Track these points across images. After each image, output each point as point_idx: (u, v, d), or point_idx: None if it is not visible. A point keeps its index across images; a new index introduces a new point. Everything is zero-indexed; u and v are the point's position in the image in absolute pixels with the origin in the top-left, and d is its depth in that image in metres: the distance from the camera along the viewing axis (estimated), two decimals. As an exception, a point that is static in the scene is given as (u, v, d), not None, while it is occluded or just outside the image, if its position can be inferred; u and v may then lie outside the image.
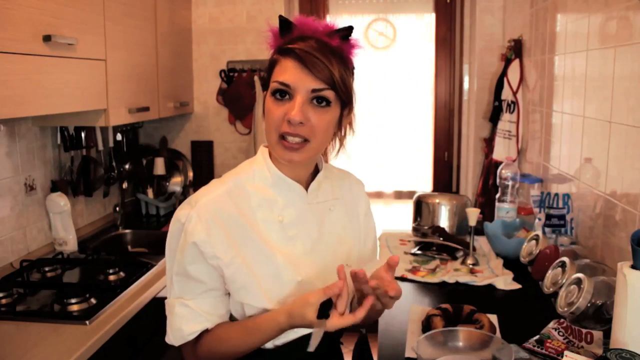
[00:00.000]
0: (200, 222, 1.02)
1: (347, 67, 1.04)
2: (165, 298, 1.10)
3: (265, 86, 1.06)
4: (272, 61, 1.04)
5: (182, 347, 1.09)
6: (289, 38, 1.03)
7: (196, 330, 1.05)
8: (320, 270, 1.07)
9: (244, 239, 1.05)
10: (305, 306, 0.95)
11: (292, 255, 1.06)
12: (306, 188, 1.12)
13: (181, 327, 1.05)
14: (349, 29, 1.04)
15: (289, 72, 0.99)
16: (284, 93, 1.00)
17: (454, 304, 1.44)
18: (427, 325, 1.38)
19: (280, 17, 1.05)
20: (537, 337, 1.29)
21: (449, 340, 1.21)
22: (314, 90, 0.99)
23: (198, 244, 1.02)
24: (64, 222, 2.17)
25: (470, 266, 1.91)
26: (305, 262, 1.09)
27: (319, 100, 1.00)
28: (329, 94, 1.00)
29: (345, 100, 1.04)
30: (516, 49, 2.67)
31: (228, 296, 1.08)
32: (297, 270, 1.05)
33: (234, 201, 1.06)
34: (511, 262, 1.91)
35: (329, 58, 0.99)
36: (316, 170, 1.16)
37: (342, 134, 1.10)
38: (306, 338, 1.03)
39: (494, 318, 1.45)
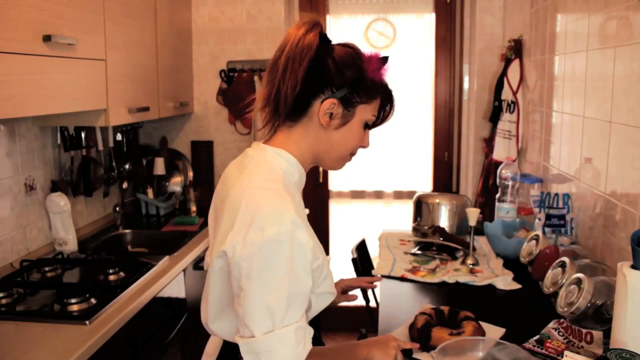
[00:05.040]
0: (303, 231, 1.00)
1: None
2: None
3: (349, 102, 1.13)
4: (373, 94, 1.16)
5: None
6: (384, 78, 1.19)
7: (310, 344, 1.02)
8: None
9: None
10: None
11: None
12: None
13: (299, 351, 0.99)
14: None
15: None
16: None
17: (453, 308, 1.43)
18: (413, 323, 1.38)
19: (385, 57, 1.20)
20: (537, 337, 1.29)
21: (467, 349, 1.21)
22: None
23: (309, 254, 1.01)
24: (64, 222, 2.17)
25: (470, 266, 1.91)
26: None
27: None
28: None
29: None
30: (516, 49, 2.67)
31: None
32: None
33: (294, 203, 1.06)
34: (511, 262, 1.91)
35: None
36: None
37: None
38: None
39: (491, 327, 1.41)
